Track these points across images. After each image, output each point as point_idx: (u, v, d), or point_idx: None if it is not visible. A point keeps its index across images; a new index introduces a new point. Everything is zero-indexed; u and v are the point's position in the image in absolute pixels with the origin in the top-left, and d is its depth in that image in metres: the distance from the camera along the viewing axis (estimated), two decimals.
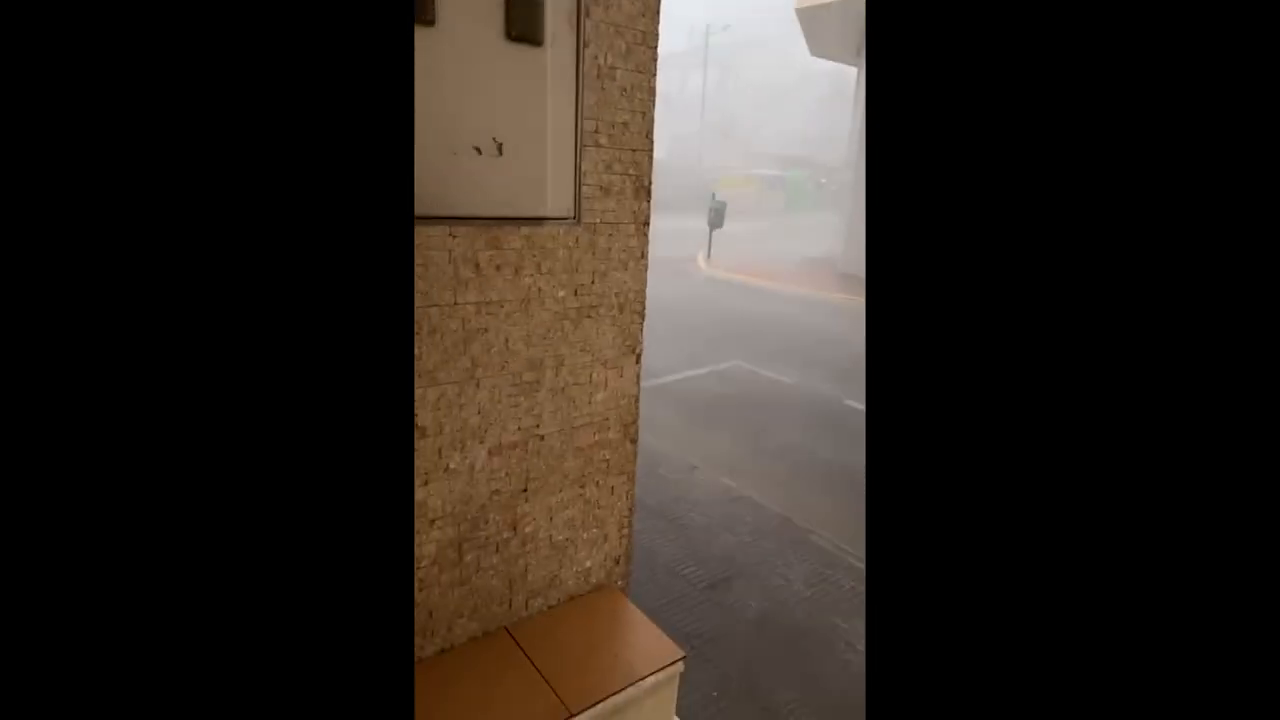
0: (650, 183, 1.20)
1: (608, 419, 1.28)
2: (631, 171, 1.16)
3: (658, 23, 1.12)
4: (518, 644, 1.20)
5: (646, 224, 1.22)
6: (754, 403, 4.48)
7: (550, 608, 1.31)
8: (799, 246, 13.35)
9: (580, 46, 1.02)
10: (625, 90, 1.11)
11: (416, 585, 1.09)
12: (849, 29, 10.45)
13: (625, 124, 1.13)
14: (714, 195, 11.09)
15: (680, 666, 1.21)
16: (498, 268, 1.05)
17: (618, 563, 1.41)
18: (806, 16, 10.06)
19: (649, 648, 1.21)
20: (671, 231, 14.24)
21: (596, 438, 1.28)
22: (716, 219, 10.69)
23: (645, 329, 1.29)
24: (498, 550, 1.20)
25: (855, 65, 12.48)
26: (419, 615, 1.11)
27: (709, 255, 10.97)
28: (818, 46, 12.13)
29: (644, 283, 1.26)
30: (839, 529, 2.82)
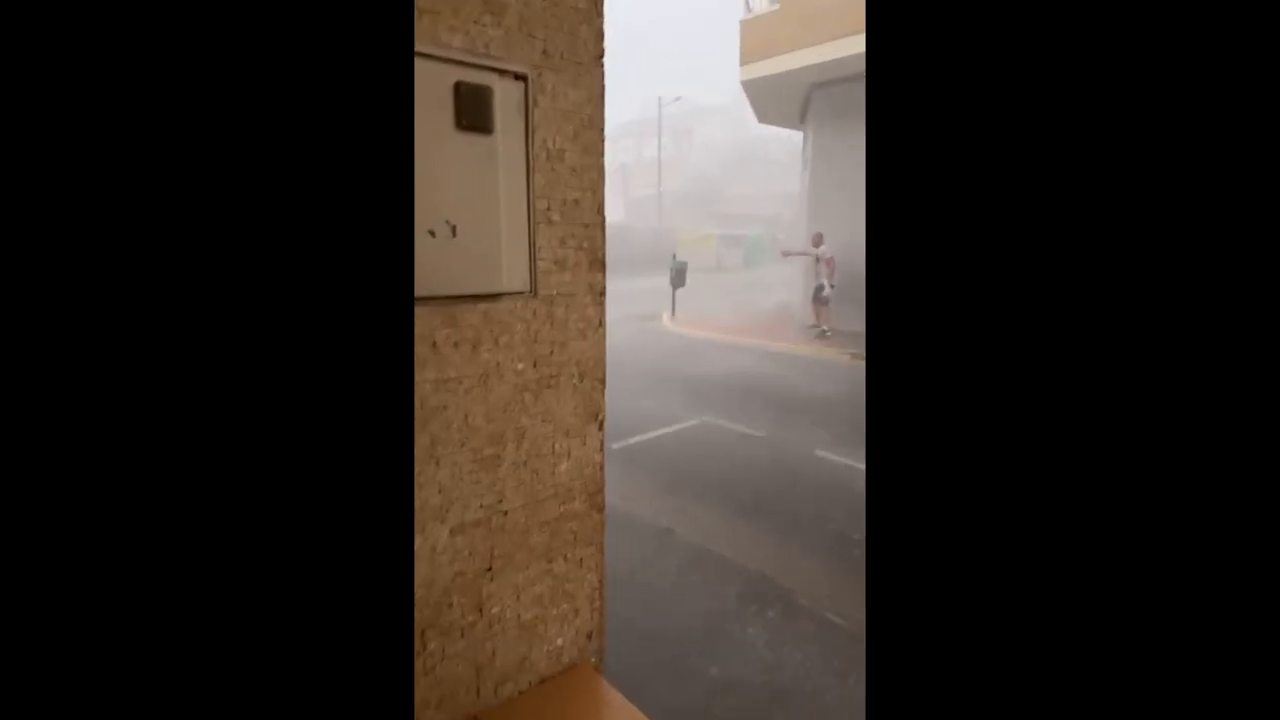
0: (604, 254, 1.23)
1: (572, 489, 1.27)
2: (585, 245, 1.20)
3: (603, 107, 1.18)
4: None
5: (603, 294, 1.25)
6: (725, 458, 4.47)
7: (521, 693, 1.25)
8: (758, 299, 13.68)
9: (529, 133, 1.07)
10: (575, 170, 1.16)
11: None
12: (792, 99, 11.12)
13: (576, 201, 1.17)
14: (674, 256, 11.37)
15: None
16: (455, 344, 1.05)
17: (590, 638, 1.36)
18: (752, 88, 10.69)
19: None
20: (634, 291, 14.46)
21: (562, 509, 1.26)
22: (678, 279, 10.94)
23: (610, 390, 1.30)
24: (463, 635, 1.15)
25: (801, 130, 13.20)
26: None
27: (673, 313, 11.16)
28: (764, 115, 12.87)
29: (603, 350, 1.28)
30: (818, 585, 2.78)
